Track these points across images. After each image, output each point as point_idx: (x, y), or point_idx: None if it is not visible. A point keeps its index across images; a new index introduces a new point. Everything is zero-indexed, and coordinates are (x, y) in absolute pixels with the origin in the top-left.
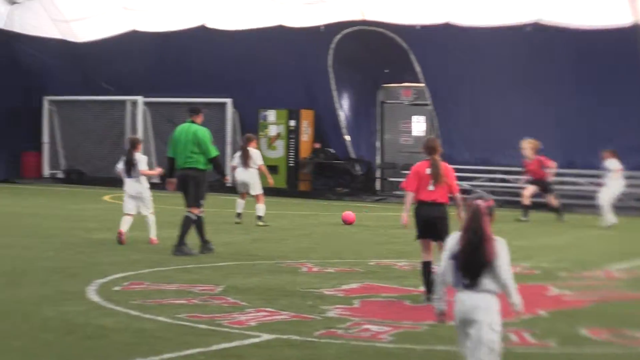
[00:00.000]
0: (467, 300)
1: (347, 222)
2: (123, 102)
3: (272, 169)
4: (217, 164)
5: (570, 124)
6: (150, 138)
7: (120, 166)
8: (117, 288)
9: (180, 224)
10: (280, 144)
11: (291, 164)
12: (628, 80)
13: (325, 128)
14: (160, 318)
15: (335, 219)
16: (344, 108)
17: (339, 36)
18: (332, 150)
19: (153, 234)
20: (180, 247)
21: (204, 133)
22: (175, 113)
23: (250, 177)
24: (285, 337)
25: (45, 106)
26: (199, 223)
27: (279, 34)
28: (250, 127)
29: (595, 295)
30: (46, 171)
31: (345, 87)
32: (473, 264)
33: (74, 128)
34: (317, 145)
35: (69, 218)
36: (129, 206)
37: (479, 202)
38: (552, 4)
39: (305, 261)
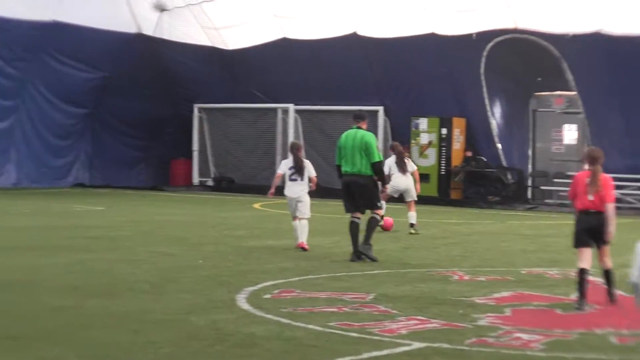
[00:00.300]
0: None
1: (386, 229)
2: (274, 110)
3: (424, 177)
4: (379, 169)
5: None
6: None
7: (285, 169)
8: (267, 296)
9: (366, 226)
10: (431, 152)
11: (442, 172)
12: None
13: (477, 136)
14: (310, 326)
15: (487, 228)
16: (495, 116)
17: (491, 44)
18: (483, 159)
19: (304, 239)
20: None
21: (371, 138)
22: (327, 121)
23: (407, 183)
24: (436, 345)
25: (196, 114)
26: (354, 230)
27: (431, 41)
28: (401, 135)
29: None
30: (196, 179)
31: (497, 95)
32: None
33: (224, 136)
34: (469, 154)
35: (219, 226)
36: (290, 209)
37: None
38: None
39: (456, 269)
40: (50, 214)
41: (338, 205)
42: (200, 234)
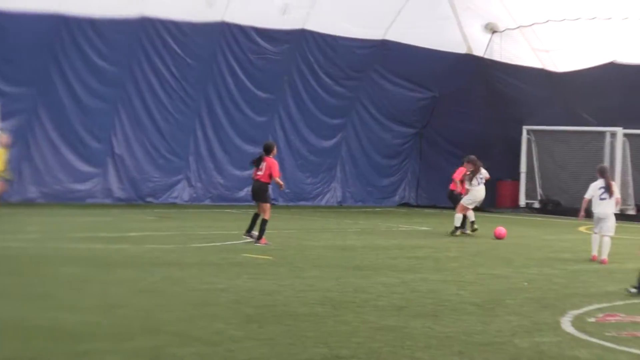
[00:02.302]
0: None
1: (499, 237)
2: (602, 134)
3: None
4: None
5: None
6: (628, 170)
7: (594, 191)
8: (591, 320)
9: None
10: None
11: None
12: None
13: None
14: (634, 350)
15: None
16: None
17: None
18: None
19: (605, 255)
20: None
21: None
22: None
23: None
24: None
25: (524, 136)
26: None
27: None
28: None
29: None
30: (522, 201)
31: None
32: None
33: (551, 158)
34: None
35: (544, 248)
36: (597, 226)
37: None
38: None
39: None
40: (376, 233)
41: None
42: (525, 256)
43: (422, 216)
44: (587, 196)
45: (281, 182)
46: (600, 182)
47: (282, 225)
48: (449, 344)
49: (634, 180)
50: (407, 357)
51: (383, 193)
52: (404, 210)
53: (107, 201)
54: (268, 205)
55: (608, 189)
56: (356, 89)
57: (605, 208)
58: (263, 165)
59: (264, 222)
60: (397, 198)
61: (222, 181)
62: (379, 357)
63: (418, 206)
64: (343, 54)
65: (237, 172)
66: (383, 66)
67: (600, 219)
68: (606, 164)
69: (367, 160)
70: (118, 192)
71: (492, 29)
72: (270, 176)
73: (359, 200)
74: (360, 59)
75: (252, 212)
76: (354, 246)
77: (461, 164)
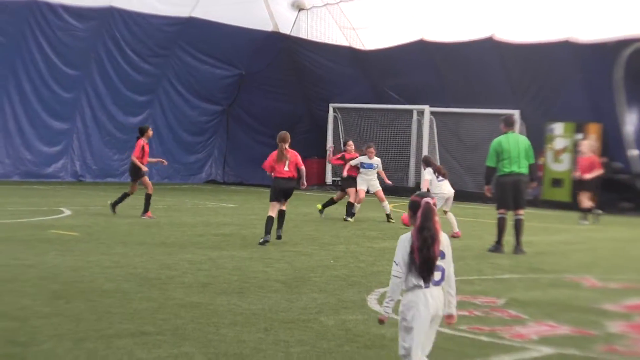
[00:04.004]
0: (437, 296)
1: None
2: (409, 112)
3: (557, 182)
4: (534, 169)
5: None
6: (435, 148)
7: (432, 175)
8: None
9: (513, 226)
10: (566, 157)
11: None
12: None
13: (611, 142)
14: (441, 329)
15: (619, 234)
16: (632, 122)
17: (629, 50)
18: (619, 164)
19: (456, 229)
20: (520, 248)
21: (529, 142)
22: (462, 124)
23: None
24: (565, 352)
25: (330, 113)
26: (504, 225)
27: (567, 47)
28: (536, 139)
29: None
30: (329, 178)
31: (634, 101)
32: (430, 262)
33: (359, 136)
34: (604, 159)
35: (350, 226)
36: (445, 205)
37: (428, 199)
38: None
39: (588, 276)
40: (183, 210)
41: (468, 208)
42: (332, 234)
43: (228, 193)
44: (427, 177)
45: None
46: (430, 169)
47: (89, 202)
48: (254, 320)
49: (441, 157)
50: (212, 334)
51: (190, 170)
52: (210, 187)
53: None
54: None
55: (440, 173)
56: (163, 66)
57: (446, 187)
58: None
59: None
60: (203, 175)
61: (30, 157)
62: (184, 333)
63: (225, 183)
64: (150, 31)
65: (45, 149)
66: (189, 44)
67: (445, 198)
68: (413, 141)
69: (174, 137)
70: None
71: (298, 7)
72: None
73: (165, 177)
74: (166, 36)
75: (60, 188)
76: (159, 223)
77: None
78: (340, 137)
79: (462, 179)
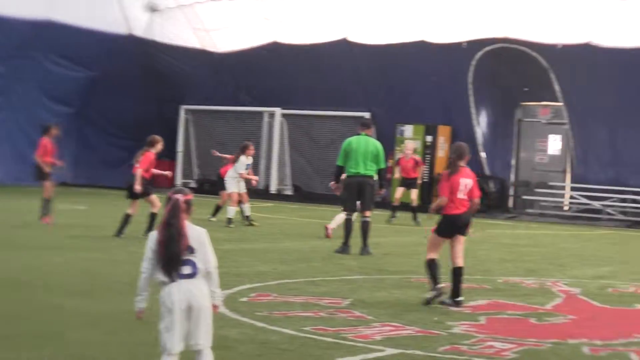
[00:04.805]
0: (188, 289)
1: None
2: (260, 114)
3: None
4: (383, 175)
5: None
6: (286, 149)
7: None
8: (243, 299)
9: (360, 228)
10: None
11: (425, 180)
12: None
13: None
14: (285, 330)
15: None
16: (481, 125)
17: (480, 53)
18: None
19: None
20: (367, 249)
21: (381, 146)
22: (313, 125)
23: None
24: (409, 352)
25: (182, 115)
26: (350, 227)
27: (420, 49)
28: (387, 141)
29: None
30: (179, 180)
31: (484, 104)
32: (174, 257)
33: (210, 138)
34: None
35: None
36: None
37: (178, 196)
38: None
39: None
40: (33, 212)
41: (318, 210)
42: None
43: (80, 195)
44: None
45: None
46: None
47: None
48: (101, 322)
49: (292, 159)
50: (60, 337)
51: None
52: (61, 189)
53: None
54: None
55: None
56: (15, 67)
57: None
58: None
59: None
60: (54, 177)
61: None
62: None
63: (76, 185)
64: (3, 32)
65: None
66: (43, 45)
67: None
68: (264, 143)
69: (26, 139)
70: None
71: (152, 8)
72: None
73: (17, 179)
74: (20, 37)
75: None
76: (5, 225)
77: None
78: (192, 139)
79: (313, 180)
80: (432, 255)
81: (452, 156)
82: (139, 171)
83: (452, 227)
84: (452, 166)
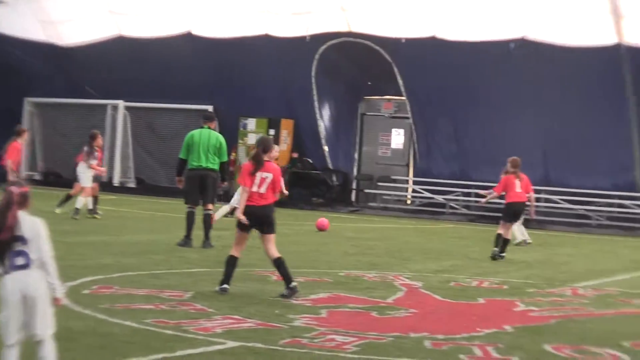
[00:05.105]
0: (23, 280)
1: (321, 229)
2: (104, 106)
3: None
4: (226, 168)
5: (549, 141)
6: (129, 142)
7: None
8: (86, 291)
9: (202, 221)
10: None
11: None
12: (612, 99)
13: (305, 138)
14: (127, 323)
15: (309, 229)
16: (324, 118)
17: (323, 47)
18: (309, 160)
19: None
20: (208, 242)
21: (224, 139)
22: (156, 119)
23: None
24: (250, 344)
25: (26, 108)
26: (192, 219)
27: (265, 43)
28: (230, 134)
29: (560, 312)
30: (23, 173)
31: (327, 97)
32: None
33: (55, 131)
34: (295, 155)
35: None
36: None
37: (13, 188)
38: (538, 21)
39: (276, 270)
40: None
41: (161, 202)
42: None
43: None
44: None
45: None
46: None
47: None
48: None
49: (135, 153)
50: None
51: None
52: None
53: None
54: None
55: None
56: None
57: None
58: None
59: None
60: None
61: None
62: None
63: None
64: None
65: None
66: None
67: None
68: (107, 136)
69: None
70: None
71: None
72: None
73: None
74: None
75: None
76: None
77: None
78: (36, 132)
79: (157, 173)
80: (235, 252)
81: (257, 148)
82: (9, 162)
83: (254, 220)
84: (256, 159)
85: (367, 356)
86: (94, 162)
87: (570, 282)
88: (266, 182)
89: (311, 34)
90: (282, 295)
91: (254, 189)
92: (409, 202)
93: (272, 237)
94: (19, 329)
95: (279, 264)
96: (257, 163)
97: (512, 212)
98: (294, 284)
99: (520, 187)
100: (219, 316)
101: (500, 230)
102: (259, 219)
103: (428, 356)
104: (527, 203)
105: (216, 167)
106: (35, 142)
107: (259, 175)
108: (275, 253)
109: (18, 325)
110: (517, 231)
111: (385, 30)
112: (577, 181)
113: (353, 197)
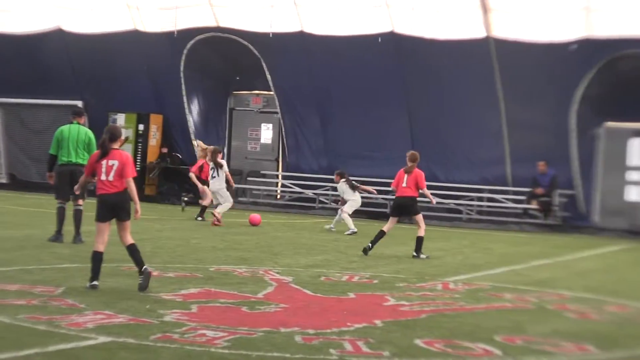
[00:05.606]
0: None
1: (254, 224)
2: None
3: None
4: None
5: (418, 136)
6: (0, 138)
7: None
8: None
9: (73, 216)
10: (127, 148)
11: (138, 168)
12: (482, 92)
13: (174, 133)
14: (0, 318)
15: (179, 224)
16: (193, 113)
17: (192, 42)
18: (179, 156)
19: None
20: (79, 237)
21: (93, 135)
22: (28, 114)
23: None
24: (121, 340)
25: None
26: (62, 214)
27: (133, 37)
28: (99, 130)
29: (431, 306)
30: None
31: (196, 92)
32: None
33: None
34: (165, 150)
35: None
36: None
37: None
38: (406, 16)
39: (146, 265)
40: None
41: (33, 198)
42: None
43: None
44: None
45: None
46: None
47: None
48: None
49: (8, 149)
50: None
51: None
52: None
53: None
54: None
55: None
56: None
57: (219, 183)
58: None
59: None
60: None
61: None
62: None
63: None
64: None
65: None
66: None
67: (214, 192)
68: None
69: None
70: None
71: None
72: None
73: None
74: None
75: None
76: None
77: None
78: None
79: (29, 168)
80: (99, 247)
81: (104, 137)
82: None
83: (109, 208)
84: (103, 147)
85: (238, 351)
86: None
87: (441, 276)
88: (113, 169)
89: (179, 29)
90: (140, 287)
91: (102, 177)
92: (278, 197)
93: (127, 224)
94: None
95: (132, 250)
96: (103, 151)
97: (396, 207)
98: (145, 267)
99: (406, 183)
100: (91, 312)
101: (384, 227)
102: (112, 207)
103: (299, 351)
104: (416, 198)
105: (86, 162)
106: None
107: (104, 162)
108: (129, 240)
109: None
110: (348, 220)
111: (254, 25)
112: (448, 175)
113: None
